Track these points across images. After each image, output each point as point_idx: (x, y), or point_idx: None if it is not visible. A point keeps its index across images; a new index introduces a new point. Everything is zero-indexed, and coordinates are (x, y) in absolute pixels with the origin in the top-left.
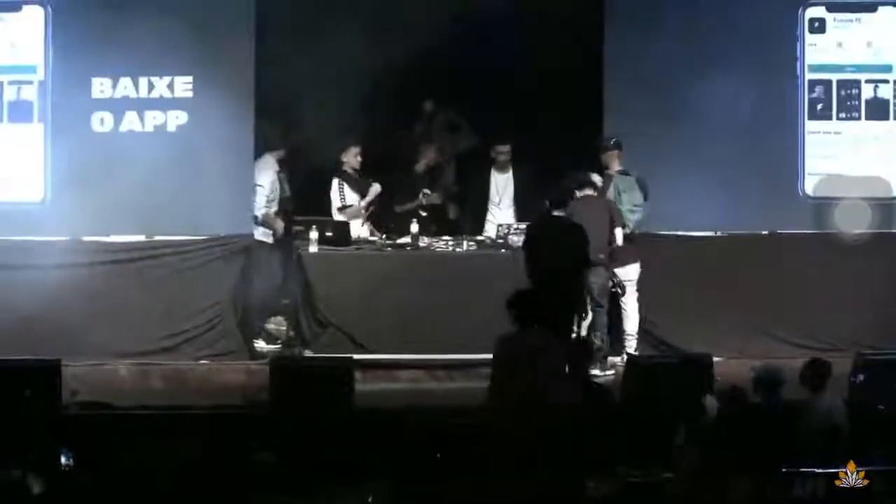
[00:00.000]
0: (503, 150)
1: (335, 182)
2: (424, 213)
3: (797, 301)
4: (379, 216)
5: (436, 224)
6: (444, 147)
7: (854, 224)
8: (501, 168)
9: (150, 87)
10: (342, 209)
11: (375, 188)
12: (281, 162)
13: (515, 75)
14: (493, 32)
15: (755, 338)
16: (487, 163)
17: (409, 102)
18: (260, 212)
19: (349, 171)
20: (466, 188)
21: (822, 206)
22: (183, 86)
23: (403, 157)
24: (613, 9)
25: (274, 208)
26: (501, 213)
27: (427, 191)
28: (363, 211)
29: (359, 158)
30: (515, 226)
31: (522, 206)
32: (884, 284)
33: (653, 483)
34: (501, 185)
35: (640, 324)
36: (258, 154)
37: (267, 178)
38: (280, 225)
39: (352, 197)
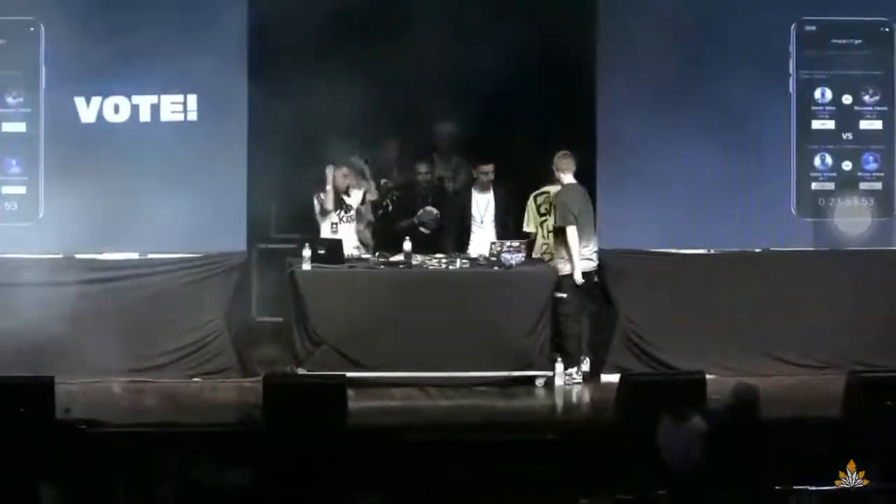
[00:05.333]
0: (486, 170)
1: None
2: (426, 231)
3: (791, 319)
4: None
5: (434, 241)
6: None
7: (847, 241)
8: (483, 188)
9: (145, 107)
10: (323, 213)
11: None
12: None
13: (506, 95)
14: (484, 52)
15: (748, 355)
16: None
17: (399, 122)
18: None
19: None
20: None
21: (813, 223)
22: (177, 106)
23: (403, 174)
24: (605, 28)
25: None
26: (483, 233)
27: (430, 207)
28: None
29: (347, 180)
30: (508, 243)
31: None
32: (878, 302)
33: (645, 501)
34: (483, 205)
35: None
36: (252, 170)
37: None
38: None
39: (330, 212)
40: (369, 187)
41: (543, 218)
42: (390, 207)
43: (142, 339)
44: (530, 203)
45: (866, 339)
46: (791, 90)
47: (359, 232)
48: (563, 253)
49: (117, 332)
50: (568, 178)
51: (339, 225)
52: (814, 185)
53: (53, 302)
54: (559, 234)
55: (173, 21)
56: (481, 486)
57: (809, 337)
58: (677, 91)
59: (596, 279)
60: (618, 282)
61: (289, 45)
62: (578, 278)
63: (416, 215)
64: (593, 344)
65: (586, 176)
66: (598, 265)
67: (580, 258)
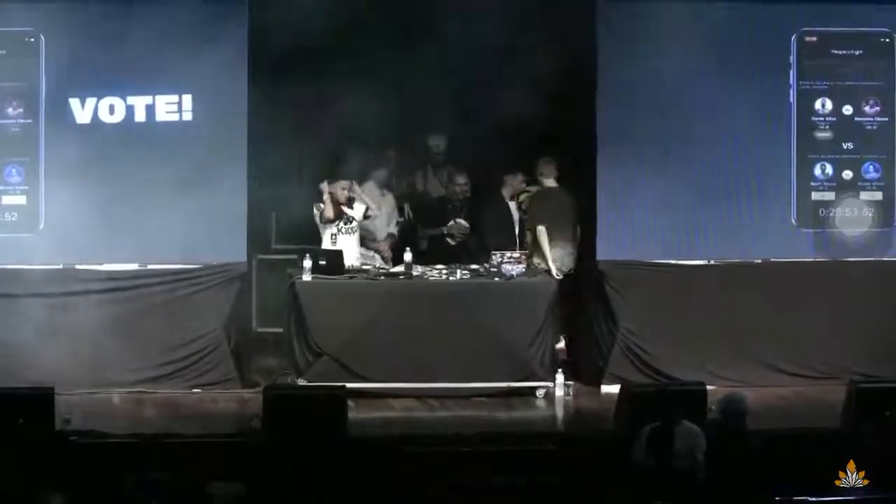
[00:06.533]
0: (516, 181)
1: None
2: (452, 242)
3: (791, 329)
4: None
5: (464, 252)
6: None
7: (847, 251)
8: (512, 198)
9: (144, 114)
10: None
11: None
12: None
13: (507, 107)
14: (482, 60)
15: (749, 366)
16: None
17: (405, 133)
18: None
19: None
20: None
21: (813, 233)
22: (176, 114)
23: (422, 183)
24: (605, 39)
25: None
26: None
27: (461, 220)
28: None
29: (345, 193)
30: (508, 254)
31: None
32: (878, 312)
33: None
34: (516, 214)
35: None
36: (251, 180)
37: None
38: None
39: (329, 223)
40: (368, 202)
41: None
42: (411, 217)
43: (142, 350)
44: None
45: (866, 349)
46: (791, 100)
47: (377, 244)
48: (538, 251)
49: (117, 343)
50: (549, 182)
51: (338, 236)
52: (814, 195)
53: (54, 313)
54: (532, 233)
55: (174, 31)
56: (481, 497)
57: (810, 347)
58: (677, 102)
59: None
60: (617, 293)
61: (290, 55)
62: (555, 272)
63: (445, 226)
64: (591, 355)
65: (586, 186)
66: (600, 275)
67: (554, 255)
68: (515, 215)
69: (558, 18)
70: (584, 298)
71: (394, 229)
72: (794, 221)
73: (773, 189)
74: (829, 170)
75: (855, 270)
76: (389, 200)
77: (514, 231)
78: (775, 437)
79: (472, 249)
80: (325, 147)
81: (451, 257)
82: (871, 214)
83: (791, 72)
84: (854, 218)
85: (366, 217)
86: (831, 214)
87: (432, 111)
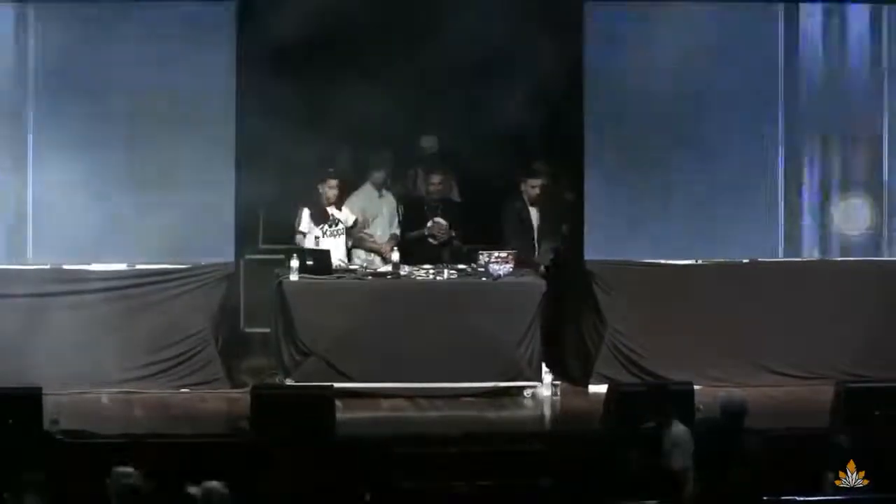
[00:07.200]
0: (536, 184)
1: (304, 211)
2: (434, 242)
3: (779, 329)
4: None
5: (448, 253)
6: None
7: (835, 252)
8: (532, 201)
9: (133, 116)
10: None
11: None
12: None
13: (500, 109)
14: (478, 65)
15: (736, 366)
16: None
17: (400, 134)
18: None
19: (322, 201)
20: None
21: (801, 234)
22: (165, 114)
23: (411, 185)
24: (593, 42)
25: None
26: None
27: (439, 219)
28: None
29: (335, 191)
30: (496, 254)
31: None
32: (866, 312)
33: None
34: (534, 218)
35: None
36: (239, 180)
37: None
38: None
39: (312, 227)
40: (357, 216)
41: None
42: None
43: (129, 350)
44: None
45: (855, 349)
46: (780, 101)
47: (379, 246)
48: None
49: (105, 343)
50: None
51: (321, 239)
52: (803, 195)
53: (41, 313)
54: None
55: (163, 33)
56: (470, 497)
57: (798, 347)
58: (665, 102)
59: None
60: (605, 292)
61: (280, 55)
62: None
63: (426, 227)
64: (579, 354)
65: (575, 186)
66: (588, 274)
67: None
68: (535, 221)
69: (546, 20)
70: (572, 298)
71: (396, 230)
72: (782, 221)
73: (762, 189)
74: (819, 169)
75: (844, 270)
76: (389, 201)
77: (533, 236)
78: (763, 436)
79: (456, 250)
80: (315, 147)
81: (438, 258)
82: (859, 215)
83: (780, 72)
84: (843, 218)
85: (353, 226)
86: (820, 214)
87: (428, 112)
